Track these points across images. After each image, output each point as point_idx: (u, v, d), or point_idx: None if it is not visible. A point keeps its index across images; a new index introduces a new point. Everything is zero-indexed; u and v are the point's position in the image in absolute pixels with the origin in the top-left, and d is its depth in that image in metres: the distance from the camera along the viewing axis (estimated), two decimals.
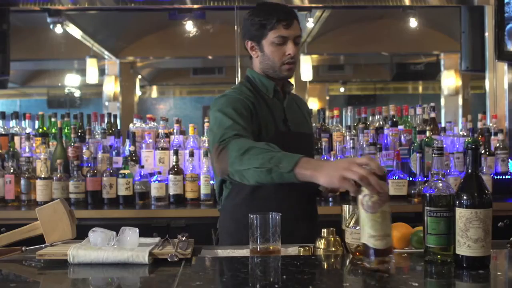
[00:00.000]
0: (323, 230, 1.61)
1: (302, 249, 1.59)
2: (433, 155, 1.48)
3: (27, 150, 3.21)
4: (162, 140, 3.21)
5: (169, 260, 1.48)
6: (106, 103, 5.73)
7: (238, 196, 1.95)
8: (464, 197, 1.36)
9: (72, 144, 3.21)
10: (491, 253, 1.37)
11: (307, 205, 2.04)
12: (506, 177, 3.28)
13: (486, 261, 1.36)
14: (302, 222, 1.97)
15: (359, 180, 1.32)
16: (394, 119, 3.37)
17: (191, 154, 3.11)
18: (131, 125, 3.44)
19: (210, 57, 6.14)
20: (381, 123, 3.45)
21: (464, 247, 1.36)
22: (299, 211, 1.98)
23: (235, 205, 1.96)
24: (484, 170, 3.15)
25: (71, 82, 5.94)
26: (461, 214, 1.36)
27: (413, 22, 4.18)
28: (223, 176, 1.73)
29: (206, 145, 3.23)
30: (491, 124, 3.57)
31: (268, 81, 1.98)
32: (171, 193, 3.06)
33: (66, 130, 3.38)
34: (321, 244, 1.59)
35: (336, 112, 3.42)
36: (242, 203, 1.94)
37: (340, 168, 1.37)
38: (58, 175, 3.02)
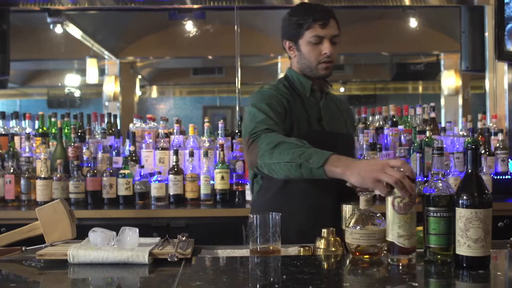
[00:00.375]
0: (323, 230, 1.61)
1: (302, 249, 1.59)
2: (433, 155, 1.48)
3: (27, 150, 3.21)
4: (162, 140, 3.21)
5: (169, 260, 1.48)
6: (106, 103, 5.72)
7: (268, 191, 1.96)
8: (464, 197, 1.36)
9: (72, 144, 3.21)
10: (491, 253, 1.38)
11: (337, 203, 1.92)
12: (506, 177, 3.28)
13: (486, 261, 1.36)
14: (332, 220, 1.84)
15: (394, 184, 1.38)
16: (394, 119, 3.37)
17: (191, 154, 3.11)
18: (131, 125, 3.44)
19: (210, 57, 6.14)
20: (381, 123, 3.45)
21: (464, 247, 1.36)
22: (329, 209, 1.91)
23: (265, 200, 1.96)
24: (484, 170, 3.15)
25: (71, 82, 5.94)
26: (461, 214, 1.36)
27: (413, 22, 4.18)
28: (252, 168, 1.76)
29: (206, 145, 3.23)
30: (491, 124, 3.57)
31: (305, 80, 2.00)
32: (171, 193, 3.06)
33: (66, 130, 3.37)
34: (321, 244, 1.59)
35: None
36: (271, 198, 1.94)
37: (373, 170, 1.42)
38: (58, 175, 3.02)
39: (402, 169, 1.40)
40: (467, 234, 1.35)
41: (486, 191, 1.37)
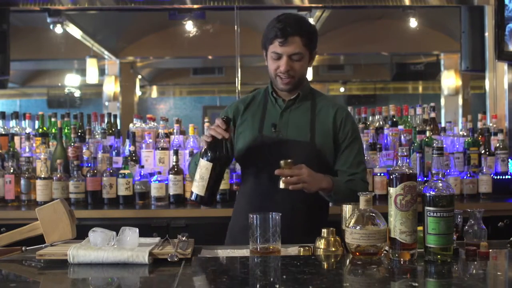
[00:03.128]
0: (323, 230, 1.61)
1: (302, 249, 1.59)
2: (433, 155, 1.48)
3: (27, 150, 3.21)
4: (162, 140, 3.21)
5: (169, 260, 1.48)
6: (106, 103, 5.73)
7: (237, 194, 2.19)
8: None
9: (72, 144, 3.21)
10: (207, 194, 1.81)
11: (290, 208, 1.93)
12: (506, 177, 3.28)
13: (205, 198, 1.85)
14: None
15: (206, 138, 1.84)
16: (394, 119, 3.37)
17: (191, 154, 3.11)
18: (131, 125, 3.44)
19: (210, 57, 6.14)
20: (381, 123, 3.45)
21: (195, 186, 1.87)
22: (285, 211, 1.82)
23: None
24: (484, 170, 3.15)
25: (71, 82, 5.94)
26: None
27: (413, 22, 4.17)
28: None
29: None
30: (491, 124, 3.56)
31: (271, 87, 2.07)
32: (171, 193, 3.06)
33: (66, 130, 3.37)
34: (321, 244, 1.59)
35: None
36: (236, 203, 2.17)
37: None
38: (58, 175, 3.02)
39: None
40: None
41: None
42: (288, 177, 1.78)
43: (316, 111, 2.05)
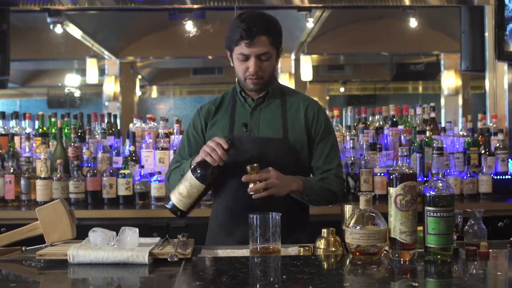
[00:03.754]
0: (323, 230, 1.61)
1: (302, 249, 1.59)
2: (433, 155, 1.49)
3: (27, 150, 3.21)
4: (162, 140, 3.21)
5: (169, 260, 1.48)
6: (106, 103, 5.73)
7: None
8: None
9: (72, 144, 3.21)
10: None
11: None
12: (506, 177, 3.28)
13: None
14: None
15: (204, 157, 1.76)
16: (394, 119, 3.37)
17: None
18: (131, 125, 3.44)
19: (210, 57, 6.14)
20: (381, 123, 3.45)
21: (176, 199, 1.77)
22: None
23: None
24: (484, 170, 3.15)
25: (71, 82, 5.95)
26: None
27: (413, 22, 4.17)
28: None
29: None
30: (491, 124, 3.56)
31: (239, 87, 2.04)
32: None
33: (66, 130, 3.37)
34: (321, 244, 1.59)
35: (336, 112, 3.41)
36: (213, 205, 2.14)
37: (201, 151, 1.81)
38: (58, 175, 3.02)
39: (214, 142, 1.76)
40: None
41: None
42: (257, 182, 1.75)
43: (287, 107, 2.04)
